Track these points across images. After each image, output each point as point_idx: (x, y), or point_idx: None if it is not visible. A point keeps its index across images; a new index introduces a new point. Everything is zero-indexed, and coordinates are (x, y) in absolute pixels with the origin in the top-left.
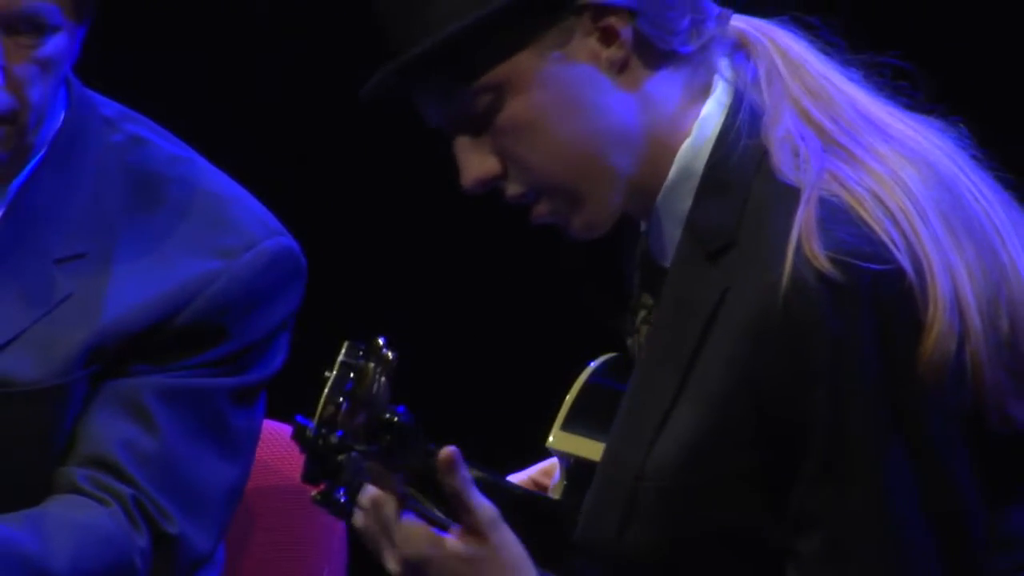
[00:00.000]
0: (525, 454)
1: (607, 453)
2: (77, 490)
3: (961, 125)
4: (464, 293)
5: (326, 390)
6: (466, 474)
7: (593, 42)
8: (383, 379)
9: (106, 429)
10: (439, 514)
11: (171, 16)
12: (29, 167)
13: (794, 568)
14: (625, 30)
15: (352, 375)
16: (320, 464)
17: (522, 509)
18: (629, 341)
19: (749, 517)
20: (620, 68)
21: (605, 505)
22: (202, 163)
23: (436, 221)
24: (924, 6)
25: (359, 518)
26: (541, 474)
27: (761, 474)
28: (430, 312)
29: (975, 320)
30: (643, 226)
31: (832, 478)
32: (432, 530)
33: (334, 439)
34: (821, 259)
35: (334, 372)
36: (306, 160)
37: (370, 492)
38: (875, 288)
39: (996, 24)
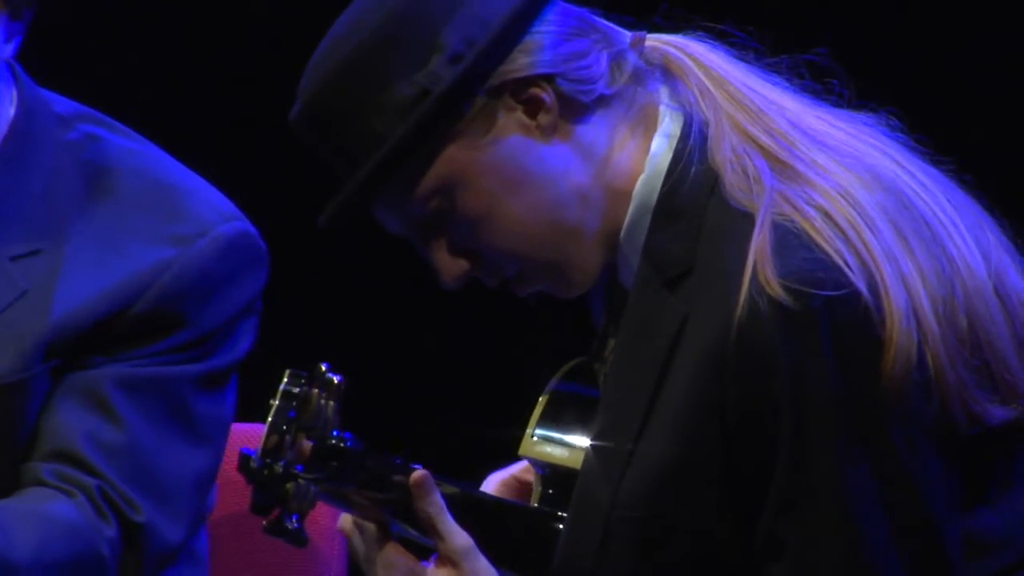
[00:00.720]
0: (498, 462)
1: (580, 485)
2: (42, 484)
3: (892, 117)
4: (438, 298)
5: (268, 420)
6: (438, 499)
7: (520, 116)
8: (330, 403)
9: (69, 423)
10: (420, 535)
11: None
12: None
13: None
14: (547, 95)
15: (295, 403)
16: (268, 494)
17: (499, 520)
18: (597, 366)
19: (722, 543)
20: (552, 131)
21: (580, 537)
22: (157, 153)
23: None
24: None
25: (348, 532)
26: (524, 471)
27: (730, 501)
28: (403, 318)
29: (932, 324)
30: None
31: (797, 504)
32: (410, 560)
33: (279, 468)
34: (775, 286)
35: (276, 402)
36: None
37: (351, 516)
38: (830, 313)
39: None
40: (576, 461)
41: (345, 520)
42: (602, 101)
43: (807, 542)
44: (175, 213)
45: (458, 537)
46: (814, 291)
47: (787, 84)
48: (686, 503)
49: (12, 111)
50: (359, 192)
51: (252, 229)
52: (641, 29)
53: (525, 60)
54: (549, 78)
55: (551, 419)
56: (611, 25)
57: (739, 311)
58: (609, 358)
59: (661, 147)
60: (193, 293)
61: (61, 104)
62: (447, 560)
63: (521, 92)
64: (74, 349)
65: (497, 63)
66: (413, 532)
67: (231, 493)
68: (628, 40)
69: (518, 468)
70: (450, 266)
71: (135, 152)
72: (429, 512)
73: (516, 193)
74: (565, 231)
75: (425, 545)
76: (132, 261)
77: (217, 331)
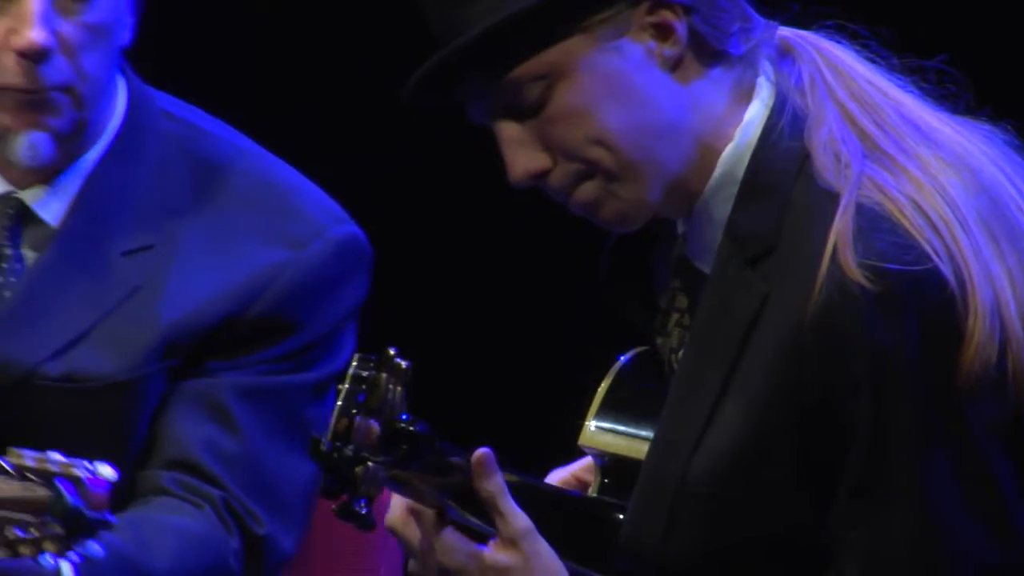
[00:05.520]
0: (556, 452)
1: (649, 461)
2: (165, 493)
3: (1009, 127)
4: (495, 290)
5: (338, 403)
6: (500, 479)
7: (648, 36)
8: (398, 388)
9: (188, 431)
10: (477, 522)
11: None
12: (95, 159)
13: None
14: (680, 26)
15: (364, 387)
16: (337, 477)
17: (559, 509)
18: (659, 341)
19: (792, 525)
20: (674, 65)
21: (648, 513)
22: (265, 154)
23: (474, 219)
24: (969, 9)
25: (399, 525)
26: (584, 471)
27: (804, 482)
28: (460, 311)
29: (1016, 327)
30: (680, 227)
31: (872, 485)
32: (470, 543)
33: (348, 452)
34: (855, 268)
35: (346, 385)
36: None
37: (406, 502)
38: (917, 296)
39: None
40: (636, 451)
41: (394, 515)
42: (725, 58)
43: (880, 525)
44: (287, 213)
45: (519, 518)
46: (900, 268)
47: (911, 87)
48: (758, 481)
49: (124, 105)
50: (472, 46)
51: (361, 233)
52: (774, 21)
53: None
54: (688, 10)
55: (611, 409)
56: (751, 8)
57: (823, 292)
58: (674, 331)
59: (756, 118)
60: (308, 297)
61: (164, 99)
62: (508, 541)
63: (657, 11)
64: (192, 351)
65: None
66: (472, 520)
67: None
68: (763, 23)
69: (579, 466)
70: (524, 161)
71: (244, 151)
72: (491, 491)
73: (616, 105)
74: (645, 159)
75: (483, 532)
76: (246, 261)
77: (326, 336)
